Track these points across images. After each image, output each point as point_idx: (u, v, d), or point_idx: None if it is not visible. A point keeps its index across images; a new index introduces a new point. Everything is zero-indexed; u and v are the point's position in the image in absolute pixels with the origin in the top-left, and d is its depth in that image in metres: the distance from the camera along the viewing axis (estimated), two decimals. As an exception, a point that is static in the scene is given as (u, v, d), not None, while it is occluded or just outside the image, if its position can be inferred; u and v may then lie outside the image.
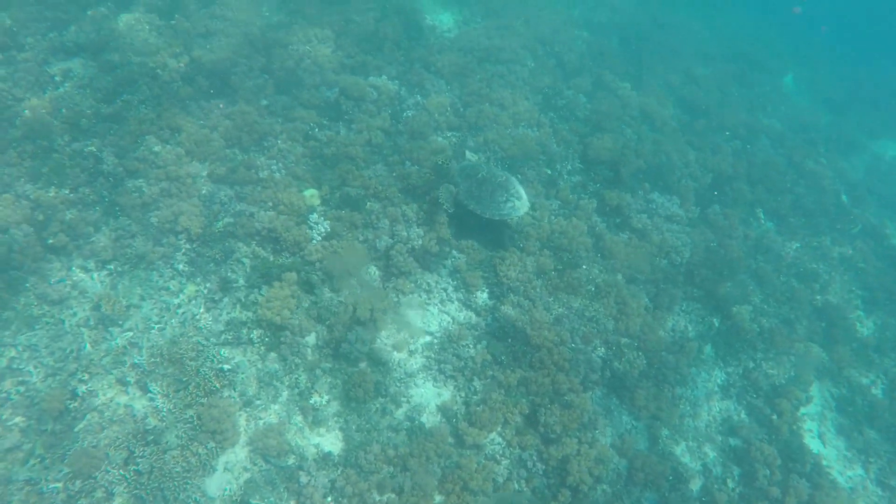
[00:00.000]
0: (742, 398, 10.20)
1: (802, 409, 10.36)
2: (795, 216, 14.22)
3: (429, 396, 8.42)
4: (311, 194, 9.63)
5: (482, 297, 9.51)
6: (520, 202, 9.40)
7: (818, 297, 12.28)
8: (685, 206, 12.48)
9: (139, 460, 7.03)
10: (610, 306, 9.86)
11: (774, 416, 9.87)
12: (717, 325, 10.82)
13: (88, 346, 7.94)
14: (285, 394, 8.02)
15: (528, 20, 16.05)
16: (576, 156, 12.54)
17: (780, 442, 9.61)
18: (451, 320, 9.12)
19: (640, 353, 9.55)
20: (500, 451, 8.17)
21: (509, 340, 8.91)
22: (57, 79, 10.36)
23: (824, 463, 9.85)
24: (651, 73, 16.88)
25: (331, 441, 7.85)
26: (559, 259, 10.20)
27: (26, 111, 9.66)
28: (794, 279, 12.39)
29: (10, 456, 6.95)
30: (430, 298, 9.24)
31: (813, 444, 10.15)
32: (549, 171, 11.81)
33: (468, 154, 10.60)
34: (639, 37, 18.65)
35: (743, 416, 10.02)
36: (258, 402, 7.85)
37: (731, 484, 9.10)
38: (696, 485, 8.99)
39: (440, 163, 10.25)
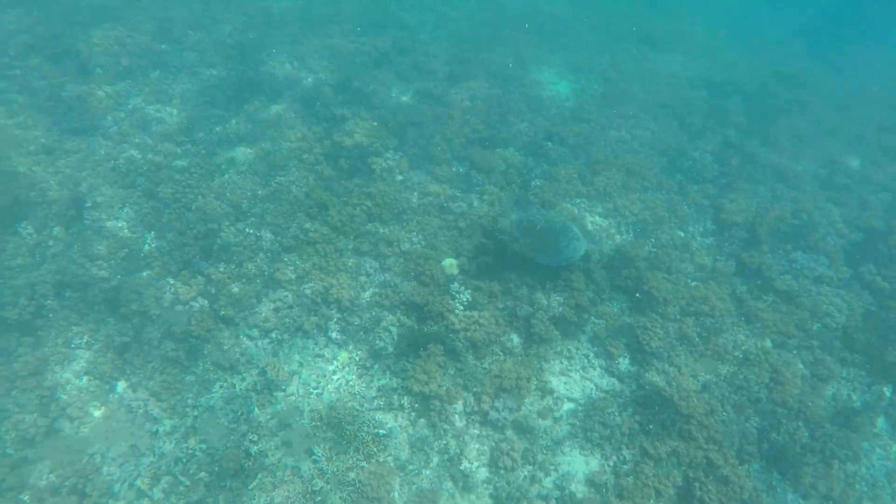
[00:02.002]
0: (928, 480, 9.59)
1: None
2: (969, 273, 13.37)
3: (577, 465, 8.73)
4: (450, 264, 10.55)
5: (624, 363, 9.81)
6: (579, 242, 10.24)
7: None
8: (834, 266, 12.23)
9: (309, 519, 7.86)
10: (762, 374, 9.80)
11: (972, 503, 9.17)
12: (888, 395, 10.34)
13: (256, 409, 9.07)
14: (436, 459, 8.65)
15: (645, 84, 16.77)
16: (707, 217, 12.77)
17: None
18: (595, 387, 9.48)
19: (801, 424, 9.36)
20: (655, 527, 8.26)
21: (656, 408, 9.09)
22: (223, 167, 12.23)
23: None
24: (779, 127, 16.87)
25: (481, 509, 8.33)
26: (701, 325, 10.34)
27: (200, 197, 11.46)
28: (979, 344, 11.58)
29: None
30: (571, 365, 9.69)
31: None
32: (682, 234, 12.10)
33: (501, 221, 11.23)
34: (762, 92, 18.78)
35: (932, 501, 9.39)
36: (411, 468, 8.52)
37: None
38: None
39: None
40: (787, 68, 21.70)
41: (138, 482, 8.29)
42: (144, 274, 10.46)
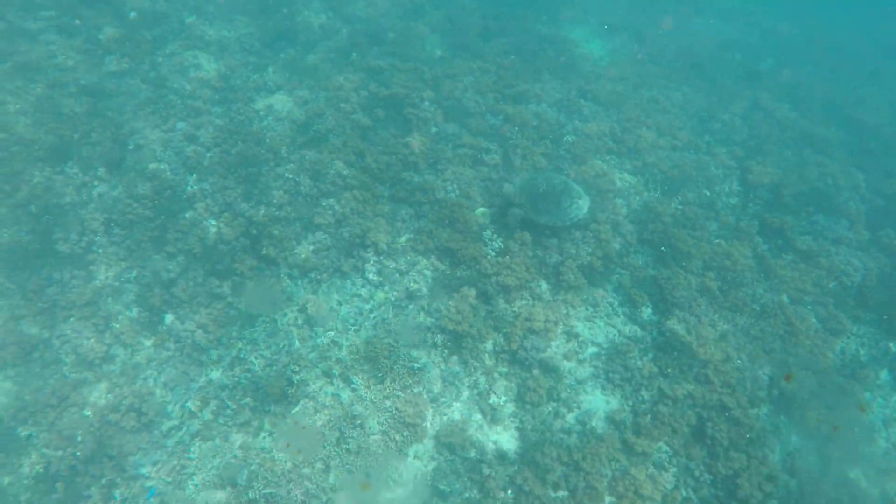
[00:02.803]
0: (930, 431, 10.39)
1: None
2: None
3: (598, 403, 9.61)
4: (482, 213, 11.31)
5: (647, 312, 10.60)
6: (582, 200, 10.82)
7: None
8: (854, 229, 12.91)
9: (349, 440, 8.82)
10: (777, 326, 10.59)
11: (972, 455, 9.97)
12: (894, 350, 11.13)
13: (297, 342, 9.98)
14: (466, 393, 9.55)
15: (680, 45, 17.17)
16: (734, 178, 13.38)
17: (980, 483, 9.70)
18: (618, 333, 10.30)
19: (810, 374, 10.18)
20: (668, 460, 9.15)
21: (675, 354, 9.91)
22: (262, 113, 12.97)
23: None
24: (810, 93, 17.27)
25: (507, 439, 9.24)
26: (723, 279, 11.08)
27: (240, 143, 12.24)
28: None
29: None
30: (596, 312, 10.50)
31: None
32: (708, 193, 12.75)
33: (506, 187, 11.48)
34: (796, 57, 19.11)
35: (932, 450, 10.21)
36: (443, 400, 9.43)
37: (921, 521, 9.36)
38: (877, 512, 9.39)
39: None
40: (822, 34, 21.92)
41: (189, 404, 9.27)
42: (188, 215, 11.29)
